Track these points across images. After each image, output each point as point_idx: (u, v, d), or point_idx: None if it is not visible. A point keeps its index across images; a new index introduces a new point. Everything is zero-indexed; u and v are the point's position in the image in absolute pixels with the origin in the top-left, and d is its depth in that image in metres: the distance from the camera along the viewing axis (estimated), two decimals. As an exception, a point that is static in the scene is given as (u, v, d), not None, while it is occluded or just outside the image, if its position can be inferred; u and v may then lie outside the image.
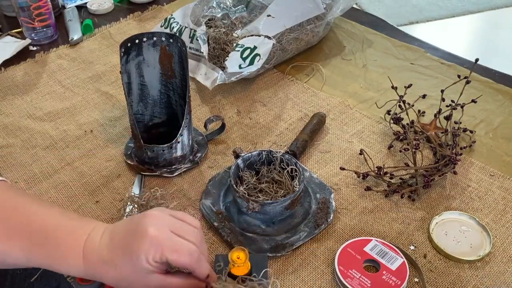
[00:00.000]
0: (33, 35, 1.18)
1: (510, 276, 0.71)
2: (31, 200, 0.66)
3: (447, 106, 0.92)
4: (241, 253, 0.64)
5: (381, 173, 0.82)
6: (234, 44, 0.99)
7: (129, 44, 0.85)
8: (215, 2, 1.09)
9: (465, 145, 0.90)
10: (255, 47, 0.99)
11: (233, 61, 0.97)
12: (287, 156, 0.79)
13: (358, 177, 0.84)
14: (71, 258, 0.60)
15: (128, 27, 1.25)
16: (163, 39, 0.87)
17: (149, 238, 0.57)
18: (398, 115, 0.91)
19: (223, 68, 0.97)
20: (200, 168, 0.87)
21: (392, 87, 0.93)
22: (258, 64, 0.99)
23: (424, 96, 0.98)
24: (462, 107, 0.92)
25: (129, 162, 0.87)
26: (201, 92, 1.04)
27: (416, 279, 0.71)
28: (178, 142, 0.83)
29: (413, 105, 0.94)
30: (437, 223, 0.77)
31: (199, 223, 0.64)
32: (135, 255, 0.57)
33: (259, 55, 0.99)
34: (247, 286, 0.62)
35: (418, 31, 2.81)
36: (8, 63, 1.12)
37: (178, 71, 0.88)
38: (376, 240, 0.73)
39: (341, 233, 0.77)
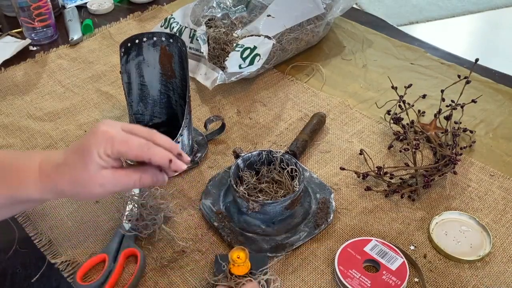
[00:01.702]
0: (33, 35, 1.18)
1: (510, 276, 0.71)
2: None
3: (447, 106, 0.92)
4: (241, 253, 0.64)
5: (381, 173, 0.82)
6: (234, 44, 0.99)
7: (129, 44, 0.85)
8: (215, 2, 1.09)
9: (465, 145, 0.90)
10: (255, 47, 0.99)
11: (233, 61, 0.97)
12: (287, 156, 0.79)
13: (358, 177, 0.84)
14: (28, 177, 0.61)
15: (128, 27, 1.25)
16: (163, 39, 0.87)
17: (100, 133, 0.60)
18: (398, 115, 0.91)
19: (223, 68, 0.97)
20: (200, 168, 0.87)
21: (392, 87, 0.93)
22: (258, 64, 0.99)
23: (424, 96, 0.98)
24: (462, 107, 0.92)
25: (129, 162, 0.87)
26: (201, 92, 1.04)
27: (416, 279, 0.71)
28: (178, 142, 0.83)
29: (413, 105, 0.94)
30: (437, 223, 0.77)
31: (153, 130, 0.65)
32: (86, 150, 0.59)
33: (259, 55, 0.99)
34: (247, 279, 0.63)
35: (418, 31, 2.81)
36: (8, 63, 1.12)
37: (178, 71, 0.88)
38: (376, 240, 0.73)
39: (341, 233, 0.77)
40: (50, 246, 0.75)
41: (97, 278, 0.69)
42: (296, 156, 0.85)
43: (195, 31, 1.04)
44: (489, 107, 0.99)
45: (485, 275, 0.71)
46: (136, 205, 0.74)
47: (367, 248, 0.72)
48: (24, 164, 0.63)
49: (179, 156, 0.64)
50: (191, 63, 1.01)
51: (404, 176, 0.84)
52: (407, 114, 0.92)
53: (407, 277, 0.69)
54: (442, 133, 0.91)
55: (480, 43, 2.82)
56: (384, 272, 0.69)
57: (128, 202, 0.75)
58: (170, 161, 0.62)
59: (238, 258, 0.64)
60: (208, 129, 0.91)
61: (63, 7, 1.31)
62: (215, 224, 0.76)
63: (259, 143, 0.93)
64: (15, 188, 0.62)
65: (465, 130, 0.92)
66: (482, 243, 0.75)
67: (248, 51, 0.98)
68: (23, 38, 1.19)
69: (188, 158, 0.65)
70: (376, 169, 0.83)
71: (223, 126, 0.93)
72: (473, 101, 0.93)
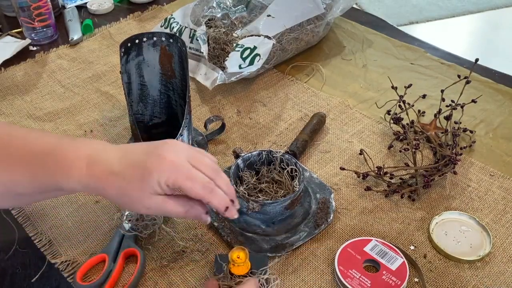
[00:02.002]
0: (33, 35, 1.18)
1: (510, 276, 0.71)
2: (28, 129, 0.67)
3: (447, 106, 0.92)
4: (241, 253, 0.64)
5: (381, 173, 0.82)
6: (234, 44, 0.99)
7: (129, 44, 0.85)
8: (215, 2, 1.09)
9: (465, 145, 0.90)
10: (255, 47, 0.99)
11: (233, 61, 0.97)
12: (287, 156, 0.79)
13: (358, 177, 0.84)
14: (73, 170, 0.60)
15: (128, 27, 1.25)
16: (163, 39, 0.87)
17: (167, 161, 0.59)
18: (398, 115, 0.91)
19: (223, 68, 0.97)
20: (200, 168, 0.87)
21: (392, 87, 0.93)
22: (258, 64, 0.99)
23: (424, 96, 0.98)
24: (462, 107, 0.92)
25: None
26: (201, 92, 1.04)
27: (416, 279, 0.71)
28: (178, 142, 0.83)
29: (413, 105, 0.94)
30: (437, 223, 0.77)
31: (216, 159, 0.65)
32: (148, 172, 0.58)
33: (259, 55, 0.99)
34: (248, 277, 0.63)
35: (418, 31, 2.81)
36: (8, 63, 1.12)
37: (178, 71, 0.88)
38: (376, 240, 0.73)
39: (341, 233, 0.77)
40: (50, 246, 0.75)
41: (97, 278, 0.69)
42: (296, 156, 0.85)
43: (195, 31, 1.04)
44: (489, 107, 0.99)
45: (485, 275, 0.71)
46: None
47: (367, 248, 0.72)
48: (69, 155, 0.60)
49: (231, 201, 0.63)
50: (191, 63, 1.01)
51: (404, 176, 0.84)
52: (407, 114, 0.92)
53: (407, 277, 0.69)
54: (442, 133, 0.91)
55: (480, 43, 2.82)
56: (384, 272, 0.69)
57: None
58: (226, 208, 0.62)
59: (238, 258, 0.64)
60: (208, 129, 0.91)
61: (63, 7, 1.31)
62: (215, 224, 0.76)
63: (259, 143, 0.93)
64: (55, 177, 0.60)
65: (465, 130, 0.92)
66: (482, 243, 0.75)
67: (248, 51, 0.98)
68: (23, 38, 1.19)
69: (238, 206, 0.65)
70: (376, 169, 0.83)
71: (223, 126, 0.93)
72: (473, 101, 0.93)
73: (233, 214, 0.63)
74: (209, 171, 0.61)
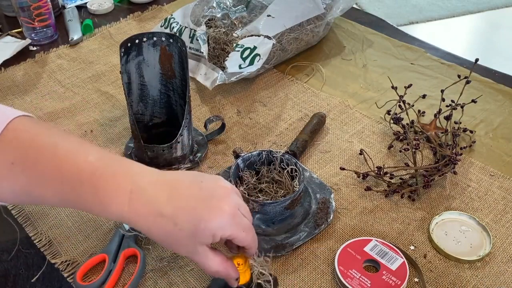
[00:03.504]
0: (33, 35, 1.18)
1: (510, 276, 0.71)
2: (56, 138, 0.59)
3: (447, 106, 0.92)
4: (241, 260, 0.63)
5: (381, 173, 0.83)
6: (234, 44, 0.99)
7: (129, 44, 0.85)
8: (215, 2, 1.09)
9: (465, 145, 0.90)
10: (255, 47, 0.99)
11: (233, 61, 0.97)
12: (287, 156, 0.79)
13: (358, 177, 0.84)
14: (114, 205, 0.56)
15: (128, 27, 1.25)
16: (163, 39, 0.87)
17: (226, 215, 0.57)
18: (398, 115, 0.91)
19: (223, 68, 0.97)
20: (200, 168, 0.87)
21: (392, 87, 0.93)
22: (258, 64, 0.99)
23: (424, 96, 0.98)
24: (462, 107, 0.92)
25: None
26: (201, 92, 1.04)
27: (416, 279, 0.71)
28: (178, 142, 0.83)
29: (413, 105, 0.94)
30: (437, 223, 0.77)
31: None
32: (204, 224, 0.56)
33: (259, 55, 0.99)
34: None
35: (418, 31, 2.81)
36: (8, 63, 1.12)
37: (178, 71, 0.88)
38: (376, 240, 0.73)
39: (341, 233, 0.77)
40: (50, 246, 0.75)
41: (97, 278, 0.69)
42: (296, 156, 0.85)
43: (195, 31, 1.04)
44: (489, 107, 0.99)
45: (485, 275, 0.71)
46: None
47: (367, 248, 0.72)
48: (109, 189, 0.56)
49: None
50: (191, 63, 1.01)
51: (404, 176, 0.84)
52: (407, 114, 0.92)
53: (407, 277, 0.69)
54: (442, 133, 0.91)
55: (480, 43, 2.82)
56: (384, 272, 0.69)
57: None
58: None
59: (239, 265, 0.63)
60: (208, 129, 0.91)
61: (63, 7, 1.31)
62: (215, 224, 0.76)
63: (259, 143, 0.93)
64: (92, 207, 0.57)
65: (465, 130, 0.92)
66: (482, 243, 0.75)
67: (248, 51, 0.98)
68: (23, 38, 1.19)
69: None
70: (376, 169, 0.83)
71: (223, 126, 0.93)
72: (473, 101, 0.93)
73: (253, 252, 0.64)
74: (249, 217, 0.62)
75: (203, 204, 0.57)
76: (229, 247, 0.64)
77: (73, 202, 0.57)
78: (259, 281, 0.64)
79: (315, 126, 0.92)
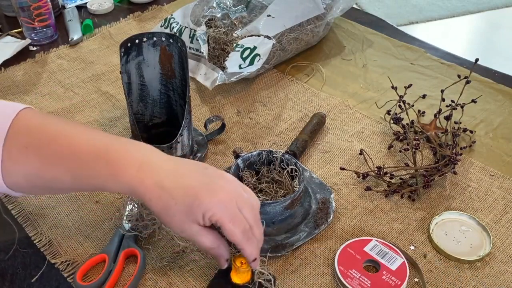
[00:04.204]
0: (33, 35, 1.18)
1: (510, 276, 0.71)
2: (69, 123, 0.65)
3: (447, 106, 0.92)
4: (244, 260, 0.63)
5: (381, 173, 0.83)
6: (234, 44, 0.99)
7: (129, 44, 0.85)
8: (215, 2, 1.09)
9: (465, 145, 0.90)
10: (255, 47, 0.99)
11: (233, 61, 0.97)
12: (287, 156, 0.79)
13: (358, 177, 0.84)
14: (124, 174, 0.59)
15: (128, 27, 1.25)
16: (163, 39, 0.87)
17: (217, 198, 0.59)
18: (398, 115, 0.91)
19: (223, 68, 0.97)
20: (200, 168, 0.87)
21: (392, 87, 0.93)
22: (258, 64, 0.99)
23: (424, 96, 0.98)
24: (462, 107, 0.92)
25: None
26: (201, 92, 1.04)
27: (416, 279, 0.71)
28: (178, 142, 0.83)
29: (413, 105, 0.94)
30: (437, 223, 0.77)
31: (259, 202, 0.65)
32: (197, 203, 0.59)
33: (259, 55, 0.99)
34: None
35: (418, 31, 2.81)
36: (8, 63, 1.12)
37: (178, 71, 0.88)
38: (376, 240, 0.73)
39: (341, 233, 0.77)
40: (50, 246, 0.75)
41: (97, 278, 0.69)
42: (296, 156, 0.85)
43: (195, 31, 1.04)
44: (489, 107, 0.99)
45: (485, 275, 0.71)
46: (136, 205, 0.74)
47: (367, 248, 0.72)
48: (122, 159, 0.60)
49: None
50: (191, 63, 1.01)
51: (404, 176, 0.84)
52: (407, 114, 0.92)
53: (407, 277, 0.69)
54: (442, 133, 0.91)
55: (480, 43, 2.82)
56: (384, 272, 0.69)
57: (128, 202, 0.75)
58: (254, 259, 0.63)
59: (242, 264, 0.63)
60: (208, 129, 0.91)
61: (63, 7, 1.31)
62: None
63: (259, 143, 0.93)
64: (103, 179, 0.60)
65: (465, 130, 0.92)
66: (482, 243, 0.75)
67: (248, 51, 0.98)
68: (23, 38, 1.19)
69: (259, 262, 0.65)
70: (376, 169, 0.83)
71: (223, 126, 0.93)
72: (473, 101, 0.93)
73: (257, 266, 0.64)
74: (251, 217, 0.62)
75: (202, 185, 0.60)
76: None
77: (86, 178, 0.61)
78: (259, 280, 0.64)
79: (315, 126, 0.92)
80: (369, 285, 0.68)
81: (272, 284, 0.64)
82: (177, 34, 1.06)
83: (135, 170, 0.59)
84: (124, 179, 0.59)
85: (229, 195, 0.60)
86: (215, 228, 0.62)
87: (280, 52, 1.06)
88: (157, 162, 0.61)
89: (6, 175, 0.60)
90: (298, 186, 0.75)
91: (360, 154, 0.87)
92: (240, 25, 1.08)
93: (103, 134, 0.64)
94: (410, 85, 0.94)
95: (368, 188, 0.82)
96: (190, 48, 1.04)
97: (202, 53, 1.00)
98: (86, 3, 1.32)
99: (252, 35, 1.00)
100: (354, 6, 1.22)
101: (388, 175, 0.83)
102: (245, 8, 1.12)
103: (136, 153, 0.61)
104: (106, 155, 0.60)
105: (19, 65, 1.12)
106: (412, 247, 0.75)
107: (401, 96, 0.92)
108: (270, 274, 0.65)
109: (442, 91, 0.92)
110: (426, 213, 0.79)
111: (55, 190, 0.67)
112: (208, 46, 1.01)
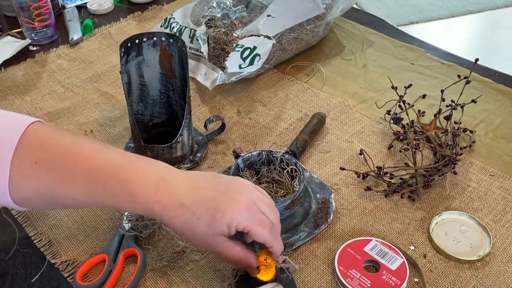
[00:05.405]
0: (33, 35, 1.18)
1: (510, 276, 0.71)
2: (80, 139, 0.63)
3: (447, 106, 0.92)
4: (268, 256, 0.64)
5: (381, 173, 0.82)
6: (234, 44, 0.99)
7: (129, 44, 0.85)
8: (215, 2, 1.09)
9: (465, 145, 0.90)
10: (255, 47, 0.99)
11: (233, 61, 0.97)
12: (287, 156, 0.79)
13: (358, 177, 0.84)
14: (140, 196, 0.58)
15: (128, 27, 1.25)
16: (163, 39, 0.87)
17: (241, 206, 0.59)
18: (398, 115, 0.91)
19: (223, 68, 0.97)
20: (200, 168, 0.87)
21: (392, 87, 0.93)
22: (258, 64, 0.99)
23: (424, 96, 0.98)
24: (462, 107, 0.92)
25: None
26: (201, 92, 1.04)
27: (416, 279, 0.71)
28: (178, 142, 0.83)
29: (413, 105, 0.94)
30: (437, 223, 0.77)
31: (272, 202, 0.65)
32: (220, 214, 0.58)
33: (259, 55, 0.99)
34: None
35: (418, 31, 2.81)
36: (8, 63, 1.12)
37: (178, 71, 0.88)
38: (376, 240, 0.73)
39: (341, 233, 0.77)
40: (50, 246, 0.75)
41: (97, 278, 0.69)
42: (296, 156, 0.85)
43: (195, 31, 1.04)
44: (489, 107, 0.99)
45: (485, 275, 0.71)
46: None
47: (367, 248, 0.72)
48: (137, 181, 0.59)
49: None
50: (191, 63, 1.01)
51: (404, 176, 0.84)
52: (407, 114, 0.92)
53: (407, 277, 0.69)
54: (442, 133, 0.91)
55: (480, 43, 2.82)
56: (384, 272, 0.69)
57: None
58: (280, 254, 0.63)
59: (265, 260, 0.64)
60: (208, 129, 0.91)
61: (63, 7, 1.31)
62: (215, 224, 0.76)
63: (259, 143, 0.93)
64: (118, 200, 0.59)
65: (465, 130, 0.92)
66: (482, 243, 0.75)
67: (248, 51, 0.98)
68: (23, 38, 1.19)
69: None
70: (376, 169, 0.83)
71: (223, 126, 0.93)
72: (473, 101, 0.93)
73: (282, 258, 0.64)
74: (271, 215, 0.62)
75: (221, 196, 0.60)
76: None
77: (100, 197, 0.59)
78: (282, 266, 0.65)
79: (315, 126, 0.92)
80: (369, 285, 0.68)
81: (289, 271, 0.67)
82: (177, 34, 1.06)
83: (152, 191, 0.58)
84: (140, 199, 0.59)
85: (249, 200, 0.60)
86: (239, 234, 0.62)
87: (280, 52, 1.06)
88: (173, 180, 0.60)
89: (14, 190, 0.57)
90: (298, 186, 0.75)
91: (360, 154, 0.87)
92: (240, 25, 1.08)
93: (115, 150, 0.62)
94: (410, 85, 0.94)
95: (368, 188, 0.82)
96: (190, 48, 1.04)
97: (202, 53, 1.00)
98: (86, 3, 1.32)
99: (252, 35, 1.00)
100: (354, 6, 1.22)
101: (388, 175, 0.83)
102: (245, 8, 1.12)
103: (152, 173, 0.60)
104: (121, 174, 0.59)
105: (19, 65, 1.12)
106: (412, 247, 0.75)
107: (401, 96, 0.92)
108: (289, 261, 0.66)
109: (442, 91, 0.92)
110: (426, 213, 0.79)
111: (66, 206, 0.65)
112: (208, 46, 1.01)
